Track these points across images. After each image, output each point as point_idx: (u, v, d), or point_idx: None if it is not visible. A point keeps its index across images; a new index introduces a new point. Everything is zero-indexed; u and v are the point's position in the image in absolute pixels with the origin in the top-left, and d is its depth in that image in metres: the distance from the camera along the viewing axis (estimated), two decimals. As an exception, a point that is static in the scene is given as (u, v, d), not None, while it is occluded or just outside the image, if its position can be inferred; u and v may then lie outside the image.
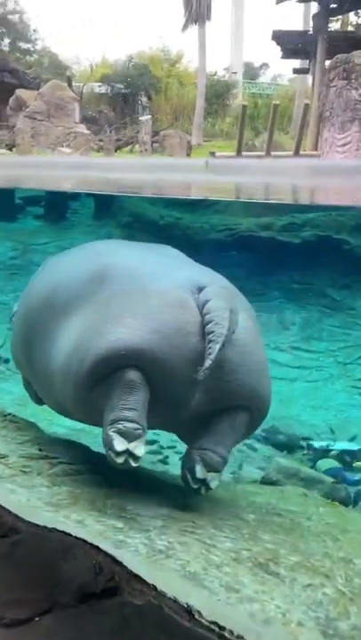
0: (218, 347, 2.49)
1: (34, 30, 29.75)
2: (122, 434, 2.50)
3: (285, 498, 3.39)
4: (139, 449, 2.50)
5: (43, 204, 9.37)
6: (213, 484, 2.74)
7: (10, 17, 28.67)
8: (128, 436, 2.50)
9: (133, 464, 2.51)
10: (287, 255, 7.84)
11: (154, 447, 4.89)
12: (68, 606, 1.56)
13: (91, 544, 1.78)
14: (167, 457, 4.78)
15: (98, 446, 4.46)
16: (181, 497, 2.81)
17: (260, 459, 4.85)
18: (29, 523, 1.89)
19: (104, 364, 2.55)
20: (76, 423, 4.73)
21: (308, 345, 7.19)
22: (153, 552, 2.19)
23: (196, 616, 1.61)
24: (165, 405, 2.65)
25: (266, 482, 3.82)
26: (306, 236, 7.89)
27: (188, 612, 1.62)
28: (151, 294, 2.66)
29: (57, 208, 9.39)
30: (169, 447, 4.99)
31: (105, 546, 1.77)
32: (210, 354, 2.49)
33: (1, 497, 2.14)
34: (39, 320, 3.04)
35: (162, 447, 4.93)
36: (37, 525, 1.88)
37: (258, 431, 5.42)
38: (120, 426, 2.51)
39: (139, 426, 2.53)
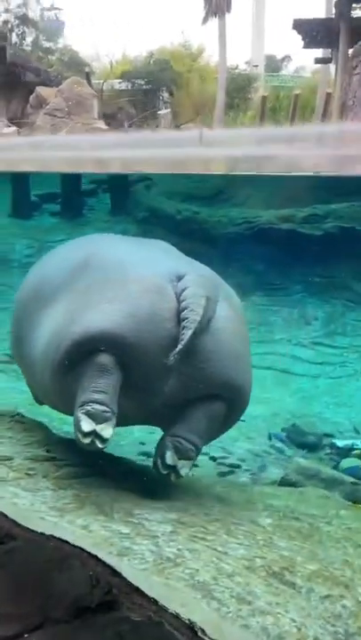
0: (190, 332, 2.54)
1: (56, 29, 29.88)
2: (90, 415, 2.54)
3: (305, 500, 3.25)
4: (106, 431, 2.53)
5: (59, 201, 9.35)
6: (183, 472, 2.74)
7: (32, 16, 28.87)
8: (96, 417, 2.54)
9: (100, 445, 2.54)
10: (309, 248, 7.65)
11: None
12: (60, 621, 1.46)
13: (89, 553, 1.67)
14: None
15: (112, 445, 4.38)
16: (194, 501, 2.70)
17: (280, 459, 4.70)
18: (26, 529, 1.80)
19: (77, 348, 2.61)
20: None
21: (331, 340, 6.99)
22: (160, 560, 2.08)
23: (200, 634, 1.49)
24: (140, 390, 2.67)
25: (285, 483, 3.67)
26: (328, 228, 7.68)
27: (191, 629, 1.49)
28: (129, 281, 2.71)
29: (73, 205, 9.36)
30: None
31: (103, 555, 1.66)
32: (182, 339, 2.54)
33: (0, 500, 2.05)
34: (27, 313, 3.09)
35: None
36: (34, 532, 1.79)
37: (278, 430, 5.30)
38: (89, 407, 2.55)
39: (108, 409, 2.57)
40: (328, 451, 4.94)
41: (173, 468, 2.72)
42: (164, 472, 2.72)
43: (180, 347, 2.53)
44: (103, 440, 2.55)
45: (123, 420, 2.73)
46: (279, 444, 5.05)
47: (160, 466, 2.72)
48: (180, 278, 2.74)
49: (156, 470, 2.75)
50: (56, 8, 28.94)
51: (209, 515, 2.56)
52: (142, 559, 2.07)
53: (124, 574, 1.59)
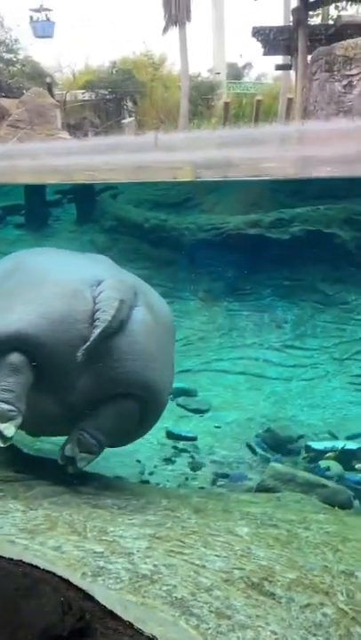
0: (98, 331, 2.68)
1: (15, 40, 29.61)
2: None
3: (282, 506, 3.22)
4: (9, 430, 2.62)
5: (23, 213, 9.20)
6: (81, 464, 2.84)
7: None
8: (1, 416, 2.63)
9: (1, 444, 2.61)
10: (277, 252, 7.68)
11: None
12: (30, 654, 1.38)
13: (60, 577, 1.60)
14: (151, 473, 4.57)
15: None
16: (170, 514, 2.64)
17: (256, 464, 4.67)
18: (-6, 556, 1.71)
19: None
20: (60, 438, 4.58)
21: (301, 342, 7.02)
22: (137, 578, 2.02)
23: (178, 657, 1.43)
24: (55, 388, 2.79)
25: (262, 489, 3.64)
26: (295, 232, 7.73)
27: (169, 652, 1.44)
28: (47, 285, 2.87)
29: (38, 216, 9.21)
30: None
31: (76, 579, 1.59)
32: (91, 338, 2.69)
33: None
34: None
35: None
36: (2, 557, 1.70)
37: (253, 434, 5.28)
38: None
39: (14, 408, 2.65)
40: (304, 454, 4.93)
41: (72, 460, 2.83)
42: (62, 463, 2.84)
43: (87, 344, 2.66)
44: (5, 439, 2.62)
45: (43, 420, 2.91)
46: (260, 451, 5.02)
47: (59, 457, 2.85)
48: (100, 283, 2.90)
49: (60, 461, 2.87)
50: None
51: (185, 527, 2.51)
52: (117, 578, 2.00)
53: (98, 597, 1.53)
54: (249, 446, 5.03)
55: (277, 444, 5.05)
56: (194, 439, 5.24)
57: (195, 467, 4.71)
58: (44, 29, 28.40)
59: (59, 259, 3.33)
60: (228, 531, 2.55)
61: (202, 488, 4.20)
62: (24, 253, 3.53)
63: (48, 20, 28.47)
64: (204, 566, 2.17)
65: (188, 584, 2.03)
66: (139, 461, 4.59)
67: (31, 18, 28.53)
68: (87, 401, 2.82)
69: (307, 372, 6.58)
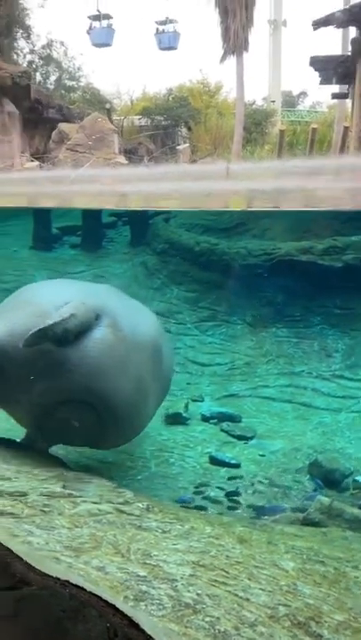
0: (36, 330, 3.19)
1: (78, 68, 30.85)
2: None
3: (329, 541, 3.11)
4: None
5: (79, 234, 9.44)
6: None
7: (55, 56, 29.71)
8: None
9: None
10: (329, 279, 7.57)
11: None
12: None
13: (106, 602, 1.59)
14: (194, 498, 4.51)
15: (128, 480, 4.30)
16: (214, 542, 2.59)
17: (302, 496, 4.54)
18: (41, 573, 1.72)
19: None
20: (106, 456, 4.60)
21: (352, 373, 6.84)
22: (179, 606, 1.98)
23: None
24: (17, 390, 3.35)
25: (307, 523, 3.53)
26: (348, 260, 7.61)
27: None
28: (24, 307, 3.51)
29: (93, 237, 9.44)
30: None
31: (121, 605, 1.58)
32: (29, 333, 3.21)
33: (14, 540, 1.98)
34: None
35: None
36: (49, 576, 1.71)
37: (300, 464, 5.14)
38: None
39: None
40: (352, 489, 4.76)
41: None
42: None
43: (25, 338, 3.19)
44: None
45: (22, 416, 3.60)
46: (300, 481, 4.89)
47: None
48: (66, 305, 3.44)
49: None
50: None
51: (230, 557, 2.45)
52: (160, 605, 1.97)
53: (144, 626, 1.51)
54: (312, 478, 4.89)
55: (324, 477, 4.89)
56: (237, 466, 5.16)
57: (237, 494, 4.62)
58: (169, 41, 28.68)
59: (53, 287, 3.97)
60: (273, 564, 2.48)
61: (245, 517, 4.11)
62: (33, 284, 4.24)
63: (175, 31, 28.61)
64: (248, 599, 2.10)
65: (232, 617, 1.97)
66: (183, 486, 4.55)
67: (157, 30, 28.75)
68: (45, 403, 3.38)
69: (357, 404, 6.39)
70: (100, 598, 1.60)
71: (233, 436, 5.82)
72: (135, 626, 1.51)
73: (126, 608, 1.56)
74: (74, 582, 1.67)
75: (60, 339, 3.25)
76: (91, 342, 3.38)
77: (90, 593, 1.61)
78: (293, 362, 7.23)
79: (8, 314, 3.50)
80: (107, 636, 1.44)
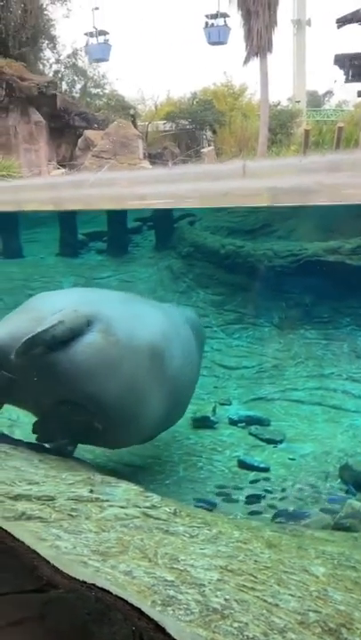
0: (28, 336, 3.38)
1: (102, 75, 31.16)
2: None
3: (360, 546, 3.04)
4: None
5: (105, 239, 9.52)
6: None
7: (81, 65, 30.07)
8: None
9: None
10: (357, 280, 7.45)
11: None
12: None
13: (132, 605, 1.58)
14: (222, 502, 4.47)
15: (156, 484, 4.29)
16: (242, 546, 2.56)
17: (331, 499, 4.46)
18: (68, 576, 1.72)
19: None
20: (134, 460, 4.61)
21: (384, 374, 6.71)
22: (207, 611, 1.96)
23: None
24: (18, 389, 3.55)
25: (338, 527, 3.46)
26: (377, 259, 7.48)
27: None
28: (26, 313, 3.76)
29: (119, 242, 9.51)
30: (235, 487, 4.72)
31: (147, 608, 1.57)
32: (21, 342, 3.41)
33: (41, 544, 1.99)
34: None
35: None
36: (76, 580, 1.71)
37: (331, 469, 5.06)
38: None
39: None
40: (384, 493, 4.65)
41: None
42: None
43: (18, 347, 3.37)
44: None
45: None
46: (331, 485, 4.81)
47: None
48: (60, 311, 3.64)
49: None
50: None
51: (258, 562, 2.41)
52: (188, 610, 1.95)
53: (170, 630, 1.49)
54: (344, 483, 4.81)
55: (355, 481, 4.80)
56: (266, 470, 5.11)
57: (266, 498, 4.57)
58: (219, 35, 28.47)
59: (57, 296, 4.14)
60: (303, 569, 2.44)
61: (274, 521, 4.07)
62: (44, 293, 4.37)
63: (225, 24, 28.33)
64: (277, 605, 2.07)
65: (261, 623, 1.94)
66: (210, 490, 4.52)
67: (206, 24, 28.56)
68: (44, 403, 3.61)
69: (389, 406, 6.26)
70: (125, 602, 1.59)
71: (262, 440, 5.77)
72: (161, 630, 1.50)
73: (152, 612, 1.55)
74: (100, 585, 1.67)
75: (49, 344, 3.46)
76: (80, 346, 3.55)
77: (116, 596, 1.61)
78: (323, 364, 7.13)
79: (9, 319, 3.78)
80: (132, 640, 1.43)
